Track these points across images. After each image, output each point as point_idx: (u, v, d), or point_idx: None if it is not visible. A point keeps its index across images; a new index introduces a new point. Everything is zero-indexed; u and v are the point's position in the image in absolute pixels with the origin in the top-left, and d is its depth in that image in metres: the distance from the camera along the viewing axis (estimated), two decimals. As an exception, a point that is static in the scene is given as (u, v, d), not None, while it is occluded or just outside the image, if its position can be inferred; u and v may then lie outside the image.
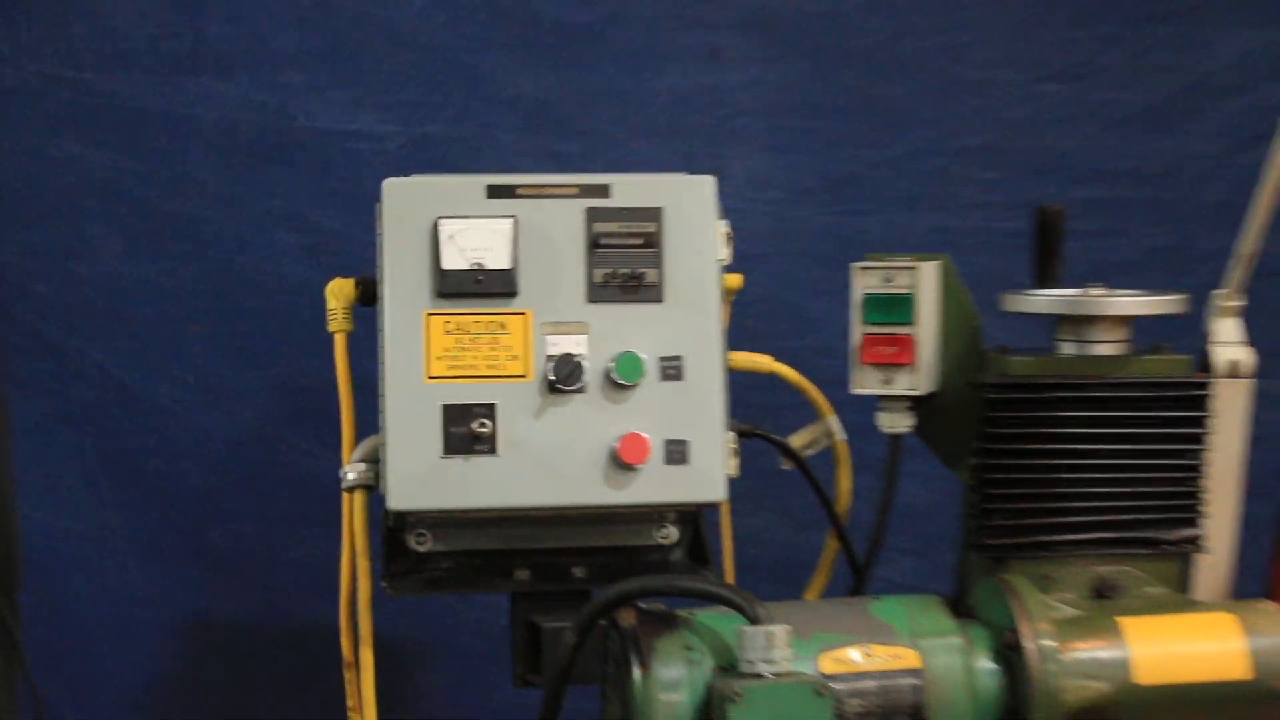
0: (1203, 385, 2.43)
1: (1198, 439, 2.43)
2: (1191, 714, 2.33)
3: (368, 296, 2.47)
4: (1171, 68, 3.43)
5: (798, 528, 3.10)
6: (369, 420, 2.40)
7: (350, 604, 2.55)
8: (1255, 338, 2.50)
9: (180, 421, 3.22)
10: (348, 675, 2.57)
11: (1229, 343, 2.49)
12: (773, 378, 2.75)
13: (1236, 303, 2.51)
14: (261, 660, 3.25)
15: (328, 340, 2.51)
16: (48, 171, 3.18)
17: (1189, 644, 2.33)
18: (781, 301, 3.13)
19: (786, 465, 2.75)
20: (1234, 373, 2.48)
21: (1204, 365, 2.48)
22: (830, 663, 2.21)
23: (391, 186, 2.38)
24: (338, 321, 2.52)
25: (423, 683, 3.25)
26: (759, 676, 2.09)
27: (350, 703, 2.57)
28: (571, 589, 2.44)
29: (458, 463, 2.34)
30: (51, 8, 3.14)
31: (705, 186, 2.43)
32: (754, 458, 2.58)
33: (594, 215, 2.39)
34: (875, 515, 2.65)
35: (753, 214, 3.19)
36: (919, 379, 2.43)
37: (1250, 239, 2.48)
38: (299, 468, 3.13)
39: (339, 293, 2.51)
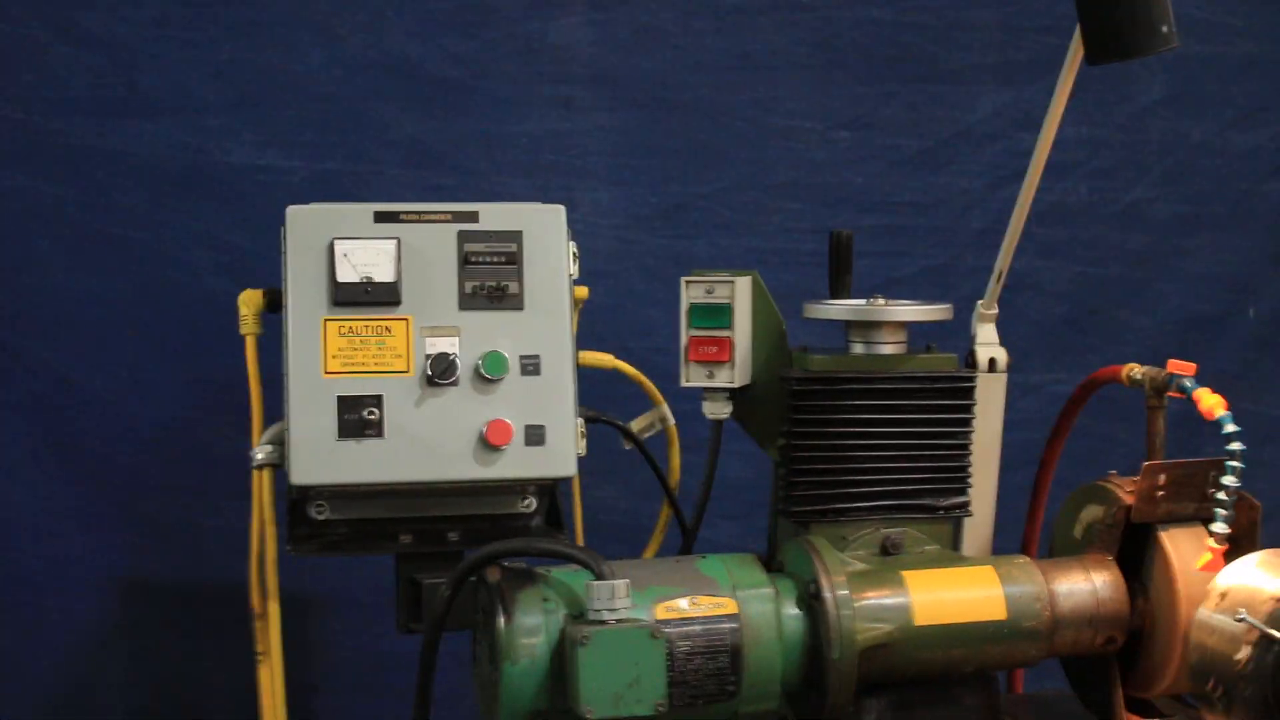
0: (967, 379, 2.46)
1: (963, 423, 2.46)
2: (959, 649, 2.35)
3: (274, 304, 2.42)
4: (941, 119, 3.45)
5: (637, 498, 3.08)
6: (275, 409, 2.35)
7: (259, 564, 2.51)
8: (1008, 339, 2.52)
9: (114, 410, 3.14)
10: (257, 624, 2.53)
11: (988, 344, 2.52)
12: (615, 373, 2.74)
13: (994, 311, 2.53)
14: (183, 611, 3.17)
15: (240, 341, 2.47)
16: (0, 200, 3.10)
17: (957, 591, 2.36)
18: (622, 309, 3.11)
19: (627, 445, 2.74)
20: (992, 368, 2.51)
21: (968, 362, 2.50)
22: (663, 610, 2.21)
23: (294, 212, 2.34)
24: (248, 325, 2.46)
25: (321, 630, 3.19)
26: (604, 623, 2.11)
27: (259, 648, 2.53)
28: (447, 550, 2.38)
29: (350, 445, 2.29)
30: (3, 60, 3.07)
31: (557, 214, 2.40)
32: (600, 440, 2.57)
33: (464, 237, 2.35)
34: (701, 487, 2.66)
35: (598, 237, 3.18)
36: (736, 373, 2.42)
37: (1005, 259, 2.50)
38: (216, 449, 3.06)
39: (249, 301, 2.46)
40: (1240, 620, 2.11)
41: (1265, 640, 2.07)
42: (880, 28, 3.40)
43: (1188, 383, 2.40)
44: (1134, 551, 2.42)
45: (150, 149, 3.09)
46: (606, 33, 3.29)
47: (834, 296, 2.53)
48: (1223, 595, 2.20)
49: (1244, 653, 2.09)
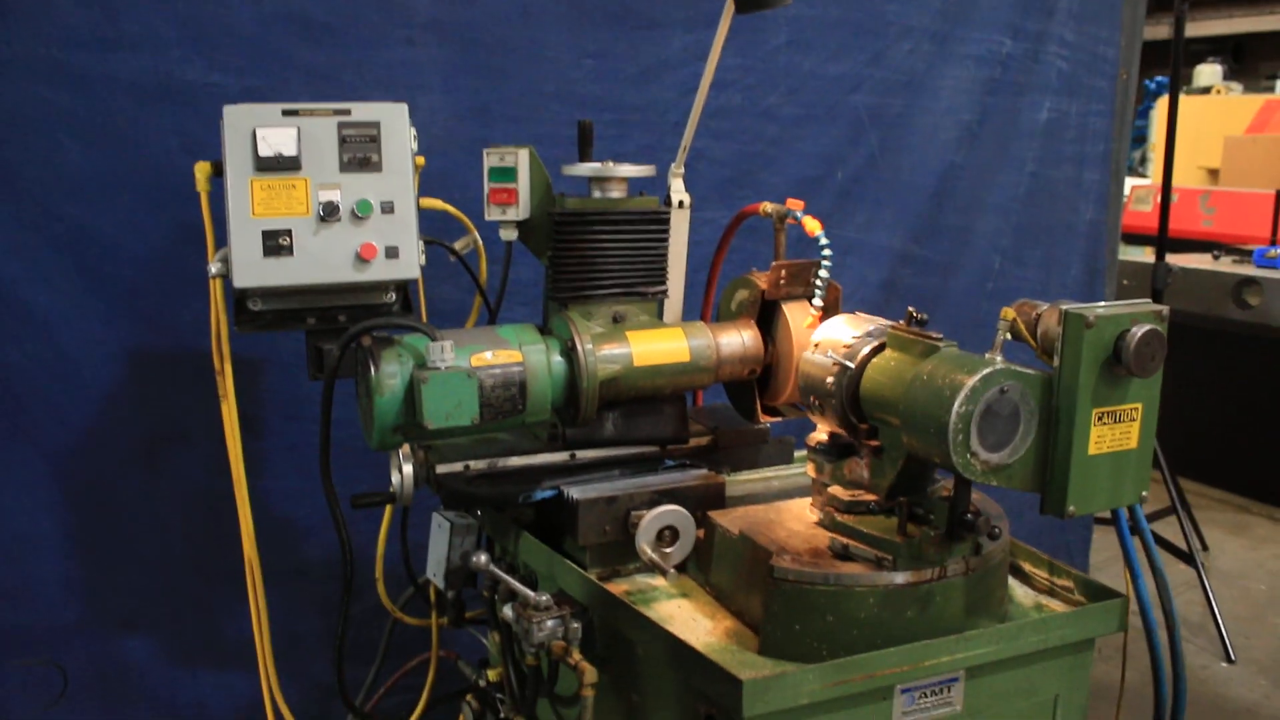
0: (664, 213, 2.50)
1: (662, 240, 2.50)
2: (661, 379, 2.41)
3: (219, 171, 2.33)
4: (649, 53, 3.38)
5: (461, 292, 3.04)
6: (222, 239, 2.26)
7: (217, 338, 2.49)
8: (692, 190, 2.52)
9: (121, 242, 2.87)
10: (219, 378, 2.51)
11: (679, 192, 2.52)
12: (444, 213, 2.71)
13: (681, 171, 2.54)
14: (169, 371, 2.98)
15: (198, 196, 2.39)
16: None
17: (659, 344, 2.42)
18: (448, 172, 2.99)
19: (452, 259, 2.73)
20: (681, 207, 2.49)
21: (666, 203, 2.51)
22: (476, 360, 2.24)
23: (230, 110, 2.25)
24: (201, 185, 2.39)
25: (260, 381, 3.09)
26: (437, 369, 2.14)
27: (220, 392, 2.51)
28: (338, 327, 2.37)
29: (271, 260, 2.25)
30: (28, 12, 2.78)
31: (403, 110, 2.34)
32: (436, 255, 2.52)
33: (343, 125, 2.29)
34: (500, 285, 2.65)
35: (433, 126, 3.07)
36: (520, 210, 2.43)
37: (687, 139, 2.48)
38: (188, 268, 2.86)
39: (202, 170, 2.39)
40: (828, 357, 2.15)
41: (841, 368, 2.11)
42: (611, -8, 3.32)
43: (798, 214, 2.42)
44: (767, 318, 2.47)
45: (134, 72, 2.87)
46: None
47: (582, 161, 2.49)
48: (817, 344, 2.24)
49: (829, 377, 2.13)
